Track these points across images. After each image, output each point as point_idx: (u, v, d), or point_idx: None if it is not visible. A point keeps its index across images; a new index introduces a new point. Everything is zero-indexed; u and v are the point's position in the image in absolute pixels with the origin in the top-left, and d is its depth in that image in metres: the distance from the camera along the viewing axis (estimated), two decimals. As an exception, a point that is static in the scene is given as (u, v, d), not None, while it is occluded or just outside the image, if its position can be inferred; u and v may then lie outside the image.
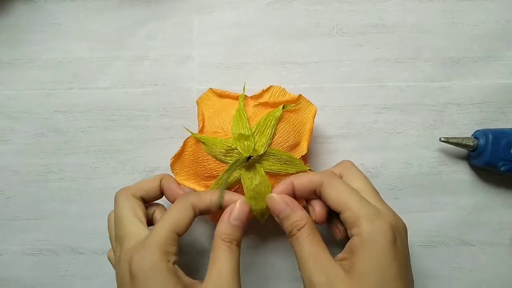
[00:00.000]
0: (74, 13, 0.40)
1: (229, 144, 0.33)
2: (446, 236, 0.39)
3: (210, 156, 0.33)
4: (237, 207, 0.32)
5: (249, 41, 0.40)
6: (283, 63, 0.40)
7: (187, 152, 0.35)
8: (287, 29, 0.40)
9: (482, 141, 0.37)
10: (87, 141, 0.40)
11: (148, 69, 0.40)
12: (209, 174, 0.34)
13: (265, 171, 0.33)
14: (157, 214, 0.34)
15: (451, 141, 0.38)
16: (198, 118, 0.36)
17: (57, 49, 0.40)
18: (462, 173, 0.39)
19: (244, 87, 0.36)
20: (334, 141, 0.39)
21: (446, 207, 0.39)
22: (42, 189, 0.40)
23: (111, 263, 0.34)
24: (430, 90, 0.39)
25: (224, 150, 0.33)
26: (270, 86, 0.36)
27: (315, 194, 0.32)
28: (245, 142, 0.33)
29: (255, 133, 0.33)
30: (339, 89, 0.40)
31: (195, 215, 0.31)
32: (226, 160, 0.33)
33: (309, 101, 0.36)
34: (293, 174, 0.34)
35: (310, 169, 0.35)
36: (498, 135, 0.37)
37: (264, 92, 0.36)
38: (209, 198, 0.32)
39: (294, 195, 0.32)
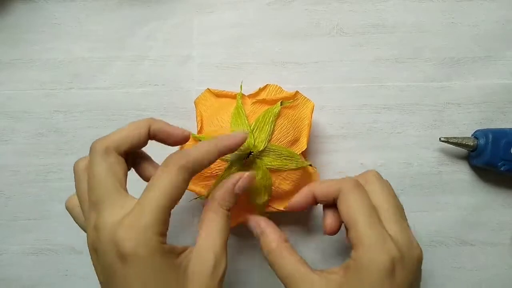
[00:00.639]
0: (74, 13, 0.40)
1: None
2: (446, 236, 0.39)
3: None
4: (245, 178, 0.30)
5: (249, 41, 0.40)
6: (283, 63, 0.40)
7: None
8: (287, 29, 0.40)
9: (482, 141, 0.37)
10: (87, 141, 0.39)
11: (148, 69, 0.40)
12: (209, 174, 0.34)
13: (266, 168, 0.33)
14: (149, 169, 0.31)
15: (451, 141, 0.38)
16: (196, 119, 0.36)
17: (57, 49, 0.40)
18: (462, 173, 0.39)
19: (241, 86, 0.36)
20: (334, 141, 0.39)
21: (446, 207, 0.39)
22: (42, 189, 0.40)
23: (71, 214, 0.31)
24: (430, 90, 0.39)
25: None
26: (267, 85, 0.36)
27: (329, 200, 0.32)
28: None
29: (254, 130, 0.33)
30: (339, 89, 0.40)
31: (190, 177, 0.28)
32: (226, 158, 0.33)
33: (306, 97, 0.36)
34: (293, 169, 0.34)
35: (310, 165, 0.35)
36: (498, 135, 0.37)
37: (261, 90, 0.36)
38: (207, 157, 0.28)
39: (316, 201, 0.32)
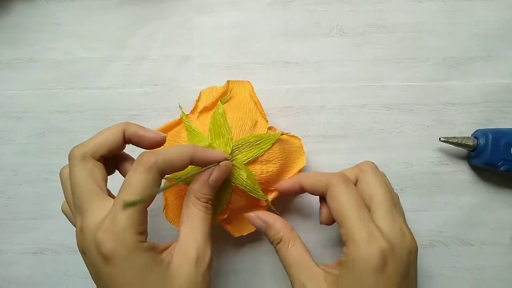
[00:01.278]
0: (74, 13, 0.40)
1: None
2: (446, 236, 0.39)
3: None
4: (218, 169, 0.31)
5: (249, 41, 0.40)
6: (283, 63, 0.40)
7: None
8: (287, 29, 0.40)
9: (482, 141, 0.37)
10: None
11: (148, 69, 0.40)
12: None
13: (244, 164, 0.33)
14: (128, 169, 0.30)
15: (451, 141, 0.38)
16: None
17: (57, 49, 0.40)
18: (462, 173, 0.39)
19: (180, 106, 0.36)
20: (334, 141, 0.39)
21: (446, 207, 0.39)
22: (42, 189, 0.40)
23: (66, 217, 0.32)
24: (430, 90, 0.39)
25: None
26: (200, 93, 0.37)
27: (317, 194, 0.32)
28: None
29: (213, 139, 0.33)
30: (339, 89, 0.40)
31: (161, 176, 0.29)
32: None
33: (238, 81, 0.37)
34: (270, 148, 0.34)
35: (283, 133, 0.35)
36: (498, 135, 0.37)
37: (197, 102, 0.37)
38: (180, 158, 0.29)
39: (303, 191, 0.33)
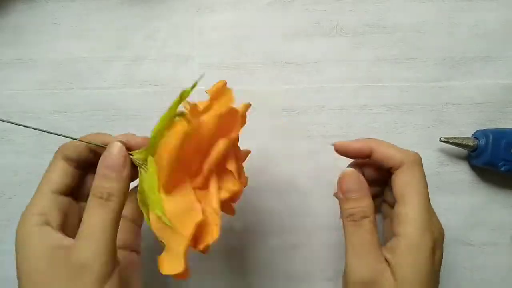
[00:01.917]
0: (74, 13, 0.40)
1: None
2: (446, 236, 0.39)
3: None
4: (108, 151, 0.27)
5: (249, 41, 0.40)
6: (283, 63, 0.40)
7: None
8: (287, 29, 0.40)
9: (482, 141, 0.37)
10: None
11: (148, 69, 0.40)
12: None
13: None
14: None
15: (451, 141, 0.38)
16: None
17: (57, 49, 0.40)
18: (462, 173, 0.39)
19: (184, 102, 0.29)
20: (334, 141, 0.39)
21: (446, 208, 0.39)
22: (42, 189, 0.40)
23: None
24: (430, 90, 0.39)
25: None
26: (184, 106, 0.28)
27: (380, 167, 0.31)
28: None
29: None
30: (339, 89, 0.40)
31: (75, 167, 0.29)
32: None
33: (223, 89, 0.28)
34: (175, 111, 0.27)
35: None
36: (498, 135, 0.37)
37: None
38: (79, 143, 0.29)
39: (366, 157, 0.31)
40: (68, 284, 0.25)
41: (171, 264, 0.25)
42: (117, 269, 0.26)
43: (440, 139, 0.38)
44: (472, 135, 0.39)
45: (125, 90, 0.40)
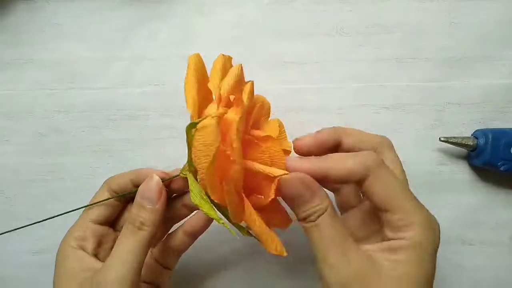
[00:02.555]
0: (74, 13, 0.40)
1: None
2: (446, 236, 0.39)
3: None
4: (146, 183, 0.29)
5: (249, 41, 0.40)
6: (283, 63, 0.40)
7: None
8: (287, 29, 0.40)
9: (482, 141, 0.37)
10: (87, 141, 0.40)
11: (148, 69, 0.40)
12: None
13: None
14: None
15: (451, 141, 0.38)
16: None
17: (57, 49, 0.40)
18: (462, 173, 0.39)
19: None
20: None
21: (446, 207, 0.39)
22: (42, 189, 0.40)
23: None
24: (430, 90, 0.39)
25: None
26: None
27: (350, 183, 0.29)
28: None
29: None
30: (339, 89, 0.40)
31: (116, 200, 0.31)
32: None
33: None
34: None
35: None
36: (498, 135, 0.37)
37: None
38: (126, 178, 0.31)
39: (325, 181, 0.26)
40: None
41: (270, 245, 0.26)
42: None
43: (439, 138, 0.38)
44: (472, 135, 0.39)
45: (125, 90, 0.40)
